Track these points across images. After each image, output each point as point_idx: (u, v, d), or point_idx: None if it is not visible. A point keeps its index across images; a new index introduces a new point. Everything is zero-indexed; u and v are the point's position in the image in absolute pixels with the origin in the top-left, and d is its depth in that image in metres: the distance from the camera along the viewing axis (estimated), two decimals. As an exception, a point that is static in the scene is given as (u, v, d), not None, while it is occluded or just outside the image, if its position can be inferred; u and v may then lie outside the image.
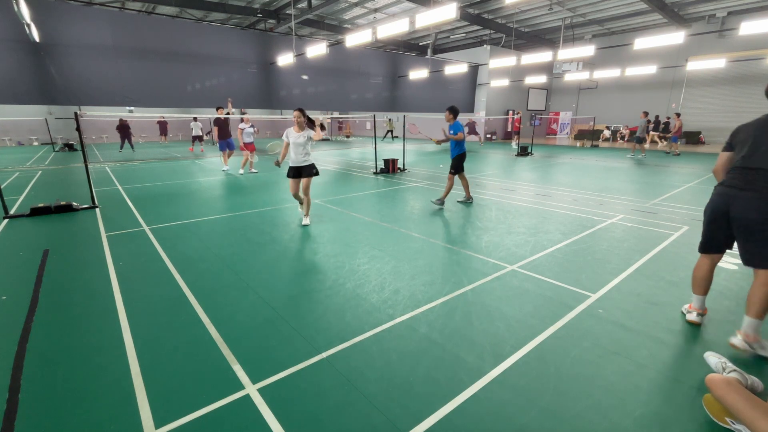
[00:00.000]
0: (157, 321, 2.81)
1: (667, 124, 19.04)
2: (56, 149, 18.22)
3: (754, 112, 2.58)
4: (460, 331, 2.63)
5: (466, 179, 6.53)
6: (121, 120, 17.42)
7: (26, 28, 10.65)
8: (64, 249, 4.42)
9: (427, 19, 9.11)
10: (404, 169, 10.63)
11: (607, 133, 22.46)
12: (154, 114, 20.25)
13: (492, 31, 20.46)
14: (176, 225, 5.35)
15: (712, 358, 2.19)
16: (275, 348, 2.46)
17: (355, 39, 11.66)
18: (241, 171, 10.27)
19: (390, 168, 10.31)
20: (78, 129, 6.11)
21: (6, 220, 5.54)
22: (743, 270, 3.58)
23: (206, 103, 14.18)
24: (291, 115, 5.36)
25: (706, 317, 2.76)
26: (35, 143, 21.87)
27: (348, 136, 30.25)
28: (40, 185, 8.64)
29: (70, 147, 18.19)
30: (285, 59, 14.93)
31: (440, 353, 2.39)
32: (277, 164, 5.14)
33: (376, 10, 17.74)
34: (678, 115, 14.26)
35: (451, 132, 6.13)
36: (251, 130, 10.15)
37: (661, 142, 17.44)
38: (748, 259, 2.38)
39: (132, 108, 19.90)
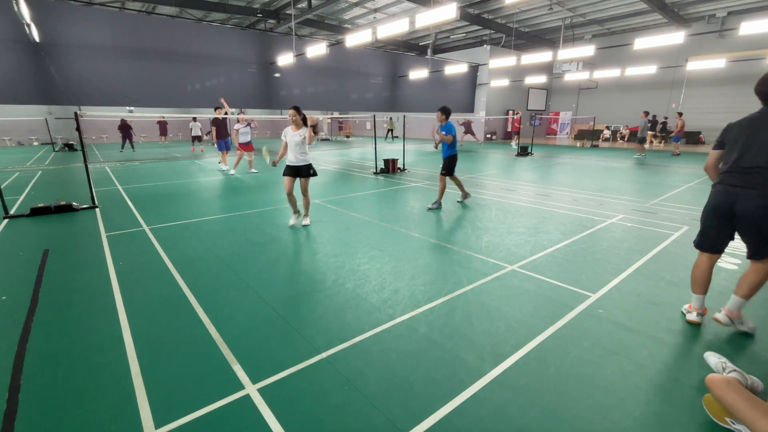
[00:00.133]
0: (157, 321, 2.81)
1: (664, 124, 19.06)
2: (56, 149, 18.22)
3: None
4: (460, 331, 2.63)
5: (458, 179, 6.49)
6: (122, 120, 17.43)
7: (26, 28, 10.64)
8: (64, 249, 4.43)
9: (427, 19, 9.11)
10: (404, 169, 10.63)
11: (607, 133, 22.46)
12: (154, 114, 20.26)
13: (492, 31, 20.46)
14: (176, 225, 5.35)
15: (712, 358, 2.19)
16: (275, 348, 2.46)
17: (355, 39, 11.66)
18: (232, 171, 10.18)
19: (390, 168, 10.31)
20: (78, 129, 6.11)
21: (6, 220, 5.54)
22: (743, 270, 3.58)
23: (206, 103, 14.16)
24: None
25: (705, 317, 2.76)
26: (35, 143, 21.87)
27: (348, 136, 30.24)
28: (40, 185, 8.64)
29: (70, 147, 18.19)
30: (285, 59, 14.93)
31: (440, 353, 2.39)
32: (273, 164, 5.12)
33: (376, 10, 17.74)
34: (680, 114, 14.26)
35: (443, 133, 6.04)
36: (247, 129, 10.00)
37: (654, 141, 17.46)
38: (753, 252, 2.50)
39: (132, 108, 19.89)
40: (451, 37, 23.15)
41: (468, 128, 20.54)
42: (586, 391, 2.06)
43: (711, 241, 2.63)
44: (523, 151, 14.91)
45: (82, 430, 1.83)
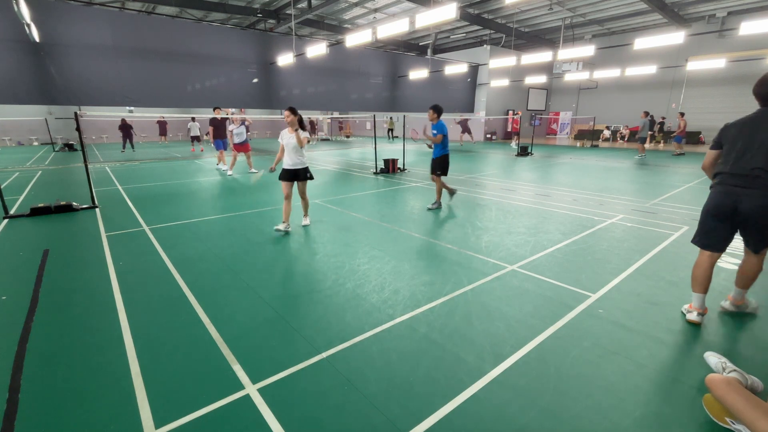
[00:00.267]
0: (157, 321, 2.81)
1: (661, 124, 19.04)
2: (56, 149, 18.22)
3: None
4: (460, 331, 2.63)
5: (441, 182, 6.26)
6: (123, 120, 17.44)
7: (26, 28, 10.64)
8: (64, 249, 4.43)
9: (427, 19, 9.11)
10: (404, 169, 10.63)
11: (607, 133, 22.45)
12: (154, 114, 20.26)
13: (492, 31, 20.46)
14: (176, 225, 5.35)
15: (712, 358, 2.19)
16: (275, 348, 2.46)
17: (355, 39, 11.66)
18: (230, 172, 10.16)
19: (390, 168, 10.31)
20: (78, 129, 6.11)
21: (6, 220, 5.54)
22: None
23: (206, 103, 14.17)
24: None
25: (706, 317, 2.76)
26: (35, 143, 21.87)
27: (348, 136, 30.25)
28: (40, 185, 8.64)
29: (70, 147, 18.19)
30: (285, 59, 14.93)
31: (440, 353, 2.39)
32: (272, 170, 5.01)
33: (376, 10, 17.74)
34: (682, 114, 14.26)
35: (433, 132, 5.92)
36: (241, 129, 9.92)
37: (652, 141, 17.45)
38: (752, 247, 2.65)
39: (132, 108, 19.90)
40: (451, 37, 23.15)
41: (465, 127, 20.45)
42: (586, 391, 2.06)
43: (714, 240, 2.66)
44: (523, 151, 14.91)
45: (82, 430, 1.83)
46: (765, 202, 2.39)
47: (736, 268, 3.71)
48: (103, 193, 7.49)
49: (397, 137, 26.17)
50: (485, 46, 22.29)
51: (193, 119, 18.03)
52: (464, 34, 22.41)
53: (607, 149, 17.67)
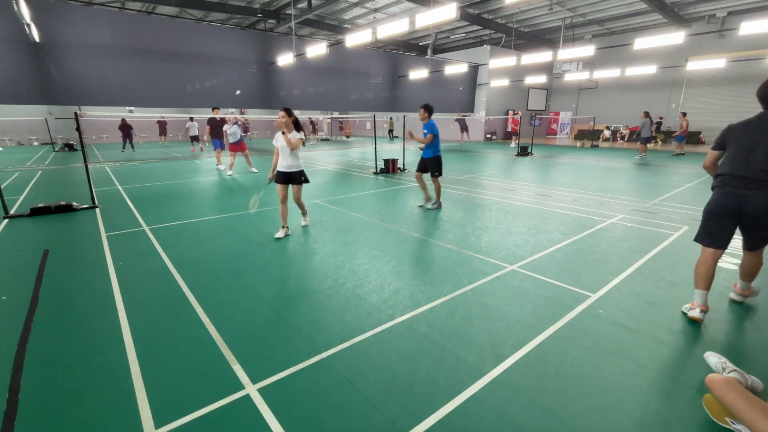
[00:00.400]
0: (157, 321, 2.81)
1: (659, 124, 19.04)
2: (56, 149, 18.21)
3: (753, 113, 2.61)
4: (460, 331, 2.63)
5: (425, 182, 6.21)
6: (123, 120, 17.44)
7: (26, 28, 10.64)
8: (64, 249, 4.42)
9: (427, 19, 9.11)
10: (404, 169, 10.63)
11: (607, 133, 22.45)
12: (154, 114, 20.26)
13: (492, 31, 20.46)
14: (176, 225, 5.35)
15: (712, 358, 2.19)
16: (275, 348, 2.46)
17: (355, 39, 11.66)
18: (229, 172, 10.14)
19: (390, 168, 10.31)
20: (78, 129, 6.11)
21: (6, 220, 5.54)
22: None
23: (206, 103, 14.17)
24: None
25: (706, 317, 2.76)
26: (35, 143, 21.86)
27: (348, 136, 30.25)
28: (40, 185, 8.64)
29: (70, 147, 18.19)
30: (285, 59, 14.93)
31: (440, 353, 2.39)
32: (270, 181, 4.90)
33: (376, 10, 17.74)
34: (684, 114, 14.26)
35: (424, 132, 5.81)
36: (235, 128, 9.88)
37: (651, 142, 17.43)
38: (752, 246, 2.74)
39: (132, 108, 19.90)
40: (451, 37, 23.15)
41: (463, 126, 20.36)
42: (586, 391, 2.06)
43: (717, 238, 2.69)
44: (523, 151, 14.91)
45: (82, 430, 1.83)
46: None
47: (736, 268, 3.73)
48: (103, 193, 7.49)
49: (397, 137, 26.17)
50: (485, 46, 22.29)
51: (191, 119, 18.03)
52: (464, 34, 22.41)
53: (607, 149, 17.67)
